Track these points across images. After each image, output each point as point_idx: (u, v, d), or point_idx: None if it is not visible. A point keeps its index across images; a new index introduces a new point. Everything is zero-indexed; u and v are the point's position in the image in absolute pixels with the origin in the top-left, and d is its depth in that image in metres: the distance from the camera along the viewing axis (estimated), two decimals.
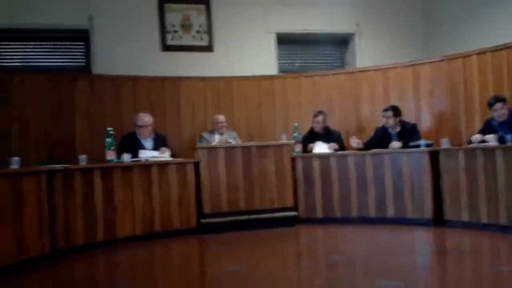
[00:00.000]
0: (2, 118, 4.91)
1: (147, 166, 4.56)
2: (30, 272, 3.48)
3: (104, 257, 3.99)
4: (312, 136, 5.49)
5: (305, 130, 5.60)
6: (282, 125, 6.00)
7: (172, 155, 4.93)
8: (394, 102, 5.53)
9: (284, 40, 6.66)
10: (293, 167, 5.07)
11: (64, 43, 6.00)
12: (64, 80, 5.37)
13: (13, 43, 5.82)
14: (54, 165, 4.03)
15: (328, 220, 4.99)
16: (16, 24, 5.60)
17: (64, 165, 4.08)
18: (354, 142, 5.15)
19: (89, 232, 4.15)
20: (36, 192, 3.74)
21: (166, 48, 6.15)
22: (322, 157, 5.10)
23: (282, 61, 6.68)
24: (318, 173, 5.06)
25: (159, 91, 5.80)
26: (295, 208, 4.98)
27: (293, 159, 5.09)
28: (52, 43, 5.95)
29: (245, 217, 4.77)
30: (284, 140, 5.11)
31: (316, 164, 5.08)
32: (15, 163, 3.79)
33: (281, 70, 6.61)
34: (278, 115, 6.15)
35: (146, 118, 5.04)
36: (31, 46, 5.88)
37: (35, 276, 3.42)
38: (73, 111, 5.35)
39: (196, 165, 4.77)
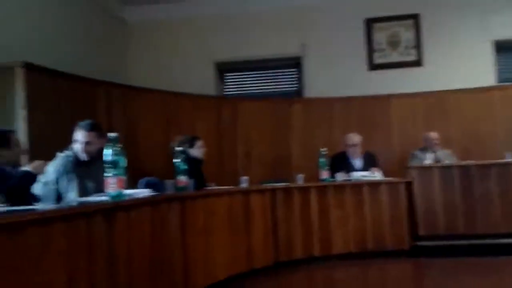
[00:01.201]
0: (230, 140, 5.63)
1: (359, 185, 4.65)
2: (258, 281, 3.86)
3: (321, 272, 4.20)
4: None
5: None
6: (505, 141, 5.41)
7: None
8: None
9: (504, 47, 6.02)
10: None
11: (279, 70, 6.57)
12: (280, 104, 5.89)
13: (237, 73, 6.64)
14: (276, 184, 4.44)
15: None
16: (239, 57, 6.37)
17: (285, 184, 4.46)
18: None
19: (307, 247, 4.42)
20: (262, 208, 4.18)
21: (374, 67, 6.19)
22: None
23: (502, 71, 6.05)
24: None
25: (368, 110, 5.87)
26: None
27: None
28: (269, 71, 6.57)
29: (465, 242, 4.44)
30: (509, 158, 4.61)
31: None
32: (244, 182, 4.32)
33: (501, 80, 5.99)
34: (499, 130, 5.58)
35: (355, 138, 5.16)
36: (252, 75, 6.61)
37: (262, 286, 3.79)
38: (289, 133, 5.80)
39: (408, 184, 4.66)
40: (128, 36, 6.39)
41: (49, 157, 3.29)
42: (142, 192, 2.91)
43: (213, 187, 4.22)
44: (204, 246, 3.51)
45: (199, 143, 4.41)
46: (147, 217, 2.79)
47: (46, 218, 1.93)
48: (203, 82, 6.19)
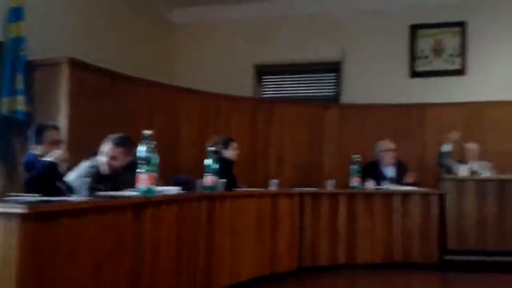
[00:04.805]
0: (264, 142, 5.70)
1: (389, 194, 4.62)
2: (280, 285, 3.91)
3: (345, 280, 4.22)
4: None
5: None
6: None
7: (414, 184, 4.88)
8: None
9: None
10: None
11: (318, 75, 6.58)
12: (315, 109, 5.91)
13: (275, 76, 6.70)
14: (305, 188, 4.48)
15: None
16: (278, 61, 6.44)
17: (314, 189, 4.50)
18: None
19: (332, 254, 4.43)
20: (289, 212, 4.24)
21: (415, 74, 6.09)
22: None
23: None
24: None
25: (404, 119, 5.78)
26: None
27: None
28: (307, 75, 6.59)
29: (496, 258, 4.34)
30: None
31: None
32: (273, 185, 4.40)
33: None
34: None
35: (388, 144, 5.17)
36: (290, 79, 6.66)
37: None
38: (323, 138, 5.81)
39: (441, 196, 4.59)
40: (174, 37, 6.61)
41: (87, 152, 3.45)
42: (172, 190, 3.04)
43: (243, 189, 4.30)
44: (230, 246, 3.60)
45: (233, 145, 4.51)
46: (175, 213, 2.91)
47: (79, 209, 2.07)
48: (242, 85, 6.29)
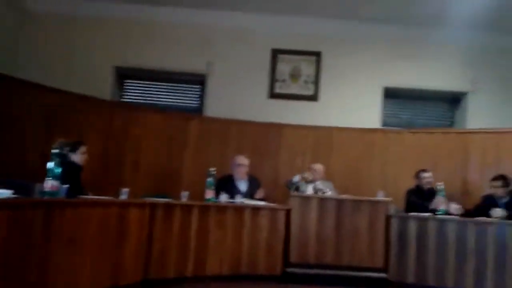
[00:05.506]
0: (119, 148, 5.45)
1: (241, 208, 4.73)
2: None
3: None
4: (419, 195, 5.29)
5: (404, 187, 5.42)
6: (380, 181, 5.86)
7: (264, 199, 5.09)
8: (506, 170, 5.15)
9: (391, 94, 6.57)
10: (388, 226, 4.89)
11: (182, 85, 6.55)
12: (177, 119, 5.85)
13: (138, 81, 6.50)
14: (157, 199, 4.36)
15: (420, 287, 4.72)
16: (143, 65, 6.26)
17: (167, 200, 4.39)
18: (453, 208, 4.90)
19: (180, 266, 4.36)
20: (139, 222, 4.06)
21: (273, 95, 6.40)
22: (420, 219, 4.86)
23: (387, 115, 6.58)
24: (414, 236, 4.81)
25: (262, 136, 6.03)
26: (385, 269, 4.79)
27: (388, 218, 4.92)
28: (171, 84, 6.52)
29: (332, 272, 4.69)
30: (380, 196, 4.99)
31: (412, 226, 4.85)
32: (124, 194, 4.19)
33: (385, 124, 6.51)
34: (376, 170, 6.02)
35: (242, 159, 5.33)
36: (153, 85, 6.50)
37: None
38: (183, 148, 5.77)
39: (288, 212, 4.84)
40: (27, 26, 6.03)
41: None
42: (2, 193, 2.71)
43: (90, 196, 4.02)
44: (69, 258, 3.32)
45: (82, 148, 4.23)
46: (4, 220, 2.60)
47: None
48: (100, 85, 5.97)
